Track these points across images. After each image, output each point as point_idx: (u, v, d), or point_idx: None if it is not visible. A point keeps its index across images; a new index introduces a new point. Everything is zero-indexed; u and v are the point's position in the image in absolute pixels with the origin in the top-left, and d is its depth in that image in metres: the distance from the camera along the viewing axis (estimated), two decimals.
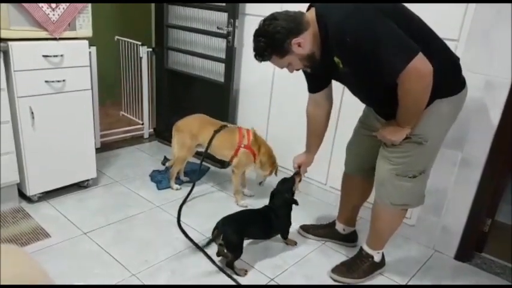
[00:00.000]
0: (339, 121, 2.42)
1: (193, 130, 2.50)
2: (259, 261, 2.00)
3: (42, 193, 2.33)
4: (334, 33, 1.45)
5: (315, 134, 1.96)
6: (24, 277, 0.66)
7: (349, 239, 2.19)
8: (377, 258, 1.93)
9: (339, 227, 2.18)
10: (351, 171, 2.04)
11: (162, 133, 3.44)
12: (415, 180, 1.67)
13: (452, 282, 2.01)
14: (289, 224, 2.10)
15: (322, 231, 2.23)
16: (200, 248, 2.00)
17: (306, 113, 1.92)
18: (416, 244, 2.26)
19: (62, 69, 2.17)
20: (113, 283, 1.76)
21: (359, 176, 2.00)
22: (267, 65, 2.79)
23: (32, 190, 2.26)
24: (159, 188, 2.62)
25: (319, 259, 2.06)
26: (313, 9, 1.54)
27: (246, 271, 1.90)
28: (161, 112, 3.45)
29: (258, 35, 1.55)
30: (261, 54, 1.57)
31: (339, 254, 2.11)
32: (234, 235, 1.83)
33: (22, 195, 2.31)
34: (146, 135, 3.49)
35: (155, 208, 2.40)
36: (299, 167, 2.07)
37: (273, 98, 2.78)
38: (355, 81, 1.66)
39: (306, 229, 2.26)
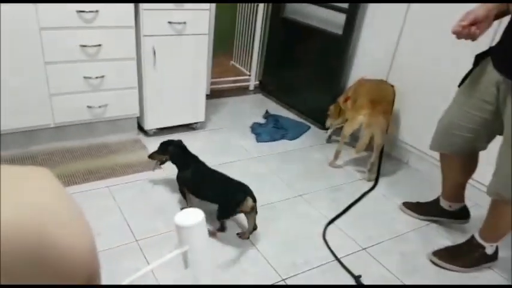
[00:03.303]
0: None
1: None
2: (352, 228, 1.93)
3: (157, 129, 2.53)
4: None
5: None
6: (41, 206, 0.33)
7: (459, 215, 1.94)
8: (489, 250, 1.71)
9: (444, 203, 1.94)
10: (449, 152, 1.75)
11: (267, 86, 3.44)
12: None
13: None
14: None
15: (425, 208, 2.03)
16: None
17: None
18: None
19: (184, 11, 2.24)
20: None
21: (460, 155, 1.73)
22: (396, 18, 2.43)
23: (149, 125, 2.47)
24: (258, 141, 2.66)
25: (418, 239, 1.90)
26: None
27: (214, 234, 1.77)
28: (269, 65, 3.41)
29: None
30: None
31: (442, 238, 1.92)
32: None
33: (140, 128, 2.54)
34: (251, 87, 3.53)
35: (252, 158, 2.45)
36: (472, 24, 1.34)
37: (398, 50, 2.43)
38: None
39: (408, 206, 2.08)
